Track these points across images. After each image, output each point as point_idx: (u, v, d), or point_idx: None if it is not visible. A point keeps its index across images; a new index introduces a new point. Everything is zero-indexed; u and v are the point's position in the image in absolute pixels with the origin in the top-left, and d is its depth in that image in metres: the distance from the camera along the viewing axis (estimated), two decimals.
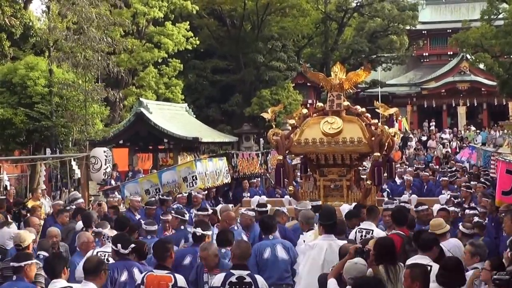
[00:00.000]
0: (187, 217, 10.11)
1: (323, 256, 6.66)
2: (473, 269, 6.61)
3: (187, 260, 7.72)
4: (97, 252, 7.74)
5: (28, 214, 11.37)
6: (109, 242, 7.82)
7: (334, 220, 7.24)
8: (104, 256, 7.56)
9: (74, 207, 12.26)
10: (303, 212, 8.94)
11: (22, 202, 13.94)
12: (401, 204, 11.34)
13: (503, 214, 9.86)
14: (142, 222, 10.07)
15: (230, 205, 12.65)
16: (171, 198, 13.53)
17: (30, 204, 13.82)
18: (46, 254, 7.81)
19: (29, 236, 7.70)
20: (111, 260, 7.31)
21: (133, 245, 7.20)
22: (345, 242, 6.99)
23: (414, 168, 21.48)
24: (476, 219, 9.36)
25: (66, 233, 9.93)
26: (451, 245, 7.70)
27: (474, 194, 13.65)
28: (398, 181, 18.49)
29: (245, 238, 8.80)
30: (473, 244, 7.01)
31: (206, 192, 15.12)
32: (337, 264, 6.36)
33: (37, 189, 15.86)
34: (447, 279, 5.42)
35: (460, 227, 8.45)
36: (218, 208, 12.17)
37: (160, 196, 13.44)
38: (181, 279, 6.47)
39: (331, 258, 6.49)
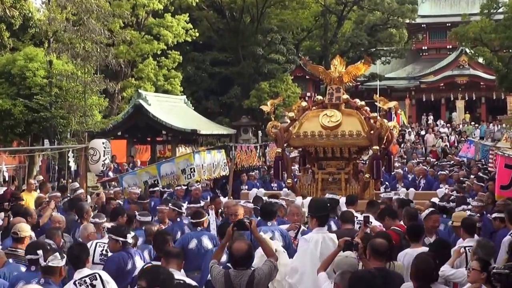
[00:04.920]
0: (183, 209, 10.04)
1: (319, 250, 6.65)
2: None
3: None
4: (96, 243, 7.76)
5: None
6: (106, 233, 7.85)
7: (327, 211, 7.19)
8: (103, 247, 7.61)
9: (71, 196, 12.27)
10: (296, 204, 8.93)
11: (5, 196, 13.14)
12: (399, 197, 11.38)
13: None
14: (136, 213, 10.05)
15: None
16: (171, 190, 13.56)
17: (24, 195, 13.67)
18: (52, 242, 7.80)
19: (27, 227, 7.65)
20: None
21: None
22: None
23: (416, 161, 21.48)
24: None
25: (67, 224, 9.92)
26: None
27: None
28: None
29: None
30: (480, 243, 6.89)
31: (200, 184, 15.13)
32: (326, 257, 6.34)
33: (31, 180, 15.72)
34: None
35: None
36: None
37: (161, 189, 13.44)
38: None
39: (326, 252, 6.48)
